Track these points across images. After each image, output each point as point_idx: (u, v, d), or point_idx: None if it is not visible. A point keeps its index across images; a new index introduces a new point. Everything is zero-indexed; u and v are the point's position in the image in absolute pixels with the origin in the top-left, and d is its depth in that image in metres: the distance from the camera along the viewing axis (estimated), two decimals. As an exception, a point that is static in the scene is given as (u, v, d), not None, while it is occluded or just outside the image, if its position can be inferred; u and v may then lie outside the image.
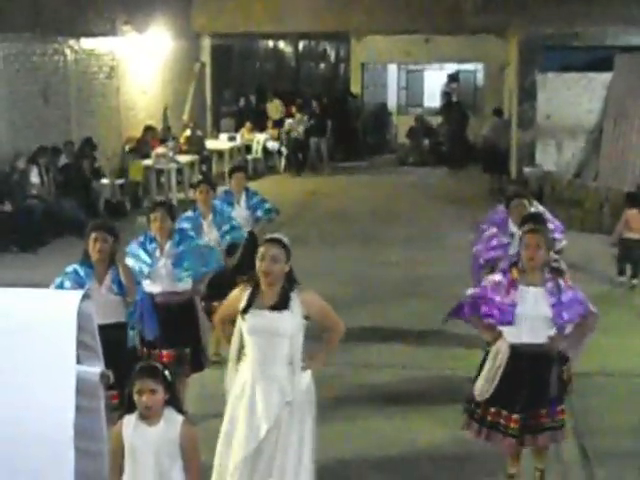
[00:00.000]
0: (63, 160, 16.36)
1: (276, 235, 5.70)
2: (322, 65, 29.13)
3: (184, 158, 19.57)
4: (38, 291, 3.34)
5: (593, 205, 15.91)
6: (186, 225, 8.43)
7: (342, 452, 7.03)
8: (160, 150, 18.77)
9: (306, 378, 5.62)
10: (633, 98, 16.98)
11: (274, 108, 25.16)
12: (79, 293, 3.17)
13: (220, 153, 21.94)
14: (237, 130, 23.58)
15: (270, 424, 5.46)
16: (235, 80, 27.43)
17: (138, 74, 20.71)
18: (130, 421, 4.76)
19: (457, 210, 16.90)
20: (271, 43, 28.63)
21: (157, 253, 7.44)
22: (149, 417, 4.74)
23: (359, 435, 7.50)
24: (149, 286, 7.33)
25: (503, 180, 19.74)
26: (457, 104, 26.18)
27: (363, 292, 11.76)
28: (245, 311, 5.53)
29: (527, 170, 18.37)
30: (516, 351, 6.06)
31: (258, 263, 5.51)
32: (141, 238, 7.52)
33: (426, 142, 25.64)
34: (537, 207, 8.75)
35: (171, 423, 4.77)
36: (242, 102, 26.74)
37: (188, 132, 21.37)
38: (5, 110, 15.26)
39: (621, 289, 12.04)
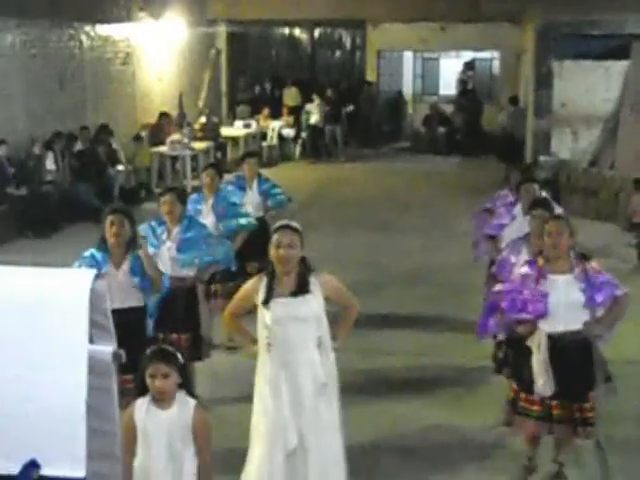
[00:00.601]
0: (78, 146, 16.40)
1: (288, 222, 5.71)
2: (338, 52, 29.10)
3: (199, 145, 19.60)
4: (51, 270, 3.35)
5: (609, 194, 15.85)
6: (191, 209, 8.42)
7: (357, 436, 7.04)
8: (175, 137, 18.80)
9: (332, 360, 5.67)
10: (650, 86, 16.90)
11: (291, 95, 25.14)
12: (92, 272, 3.18)
13: (235, 140, 21.96)
14: (252, 117, 23.57)
15: (309, 408, 5.49)
16: (251, 67, 27.41)
17: (154, 60, 20.72)
18: (142, 405, 4.77)
19: (471, 198, 16.82)
20: (287, 30, 28.61)
21: (164, 236, 7.45)
22: (162, 401, 4.74)
23: (374, 419, 7.54)
24: None
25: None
26: (472, 92, 26.12)
27: (376, 279, 11.76)
28: (267, 302, 5.54)
29: (542, 159, 18.31)
30: (554, 340, 6.03)
31: (274, 250, 5.51)
32: (152, 221, 7.55)
33: (441, 130, 25.58)
34: (541, 194, 8.75)
35: (184, 407, 4.77)
36: (257, 89, 26.73)
37: (203, 119, 21.39)
38: (21, 96, 15.30)
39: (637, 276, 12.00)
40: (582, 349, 6.09)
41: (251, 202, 9.64)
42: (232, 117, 24.39)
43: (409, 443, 7.21)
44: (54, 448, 3.16)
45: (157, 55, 20.80)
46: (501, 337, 7.12)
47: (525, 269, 6.18)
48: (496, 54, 27.25)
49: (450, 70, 28.07)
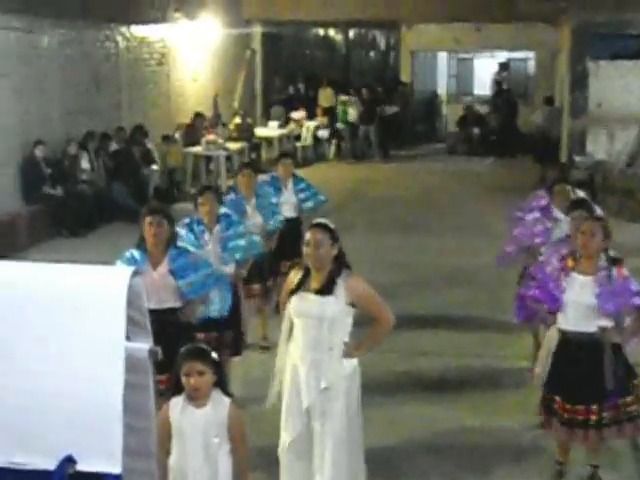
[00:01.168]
0: (114, 146, 16.50)
1: (320, 220, 5.71)
2: (372, 53, 29.07)
3: (233, 145, 19.65)
4: (89, 267, 3.36)
5: (645, 195, 15.74)
6: (230, 209, 8.47)
7: (391, 437, 7.04)
8: (210, 137, 18.86)
9: (350, 364, 5.59)
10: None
11: (325, 95, 25.14)
12: (129, 269, 3.19)
13: (269, 140, 22.00)
14: (286, 117, 23.59)
15: (307, 405, 5.49)
16: (285, 68, 27.45)
17: (189, 61, 20.80)
18: (177, 403, 4.78)
19: (506, 199, 16.72)
20: (321, 31, 28.61)
21: (205, 236, 7.48)
22: (197, 399, 4.75)
23: (408, 421, 7.51)
24: None
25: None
26: (507, 93, 26.00)
27: (410, 280, 11.74)
28: (292, 293, 5.56)
29: (578, 159, 18.19)
30: (564, 337, 6.07)
31: (304, 248, 5.53)
32: (186, 220, 7.56)
33: (476, 131, 25.48)
34: (577, 193, 8.65)
35: (219, 405, 4.78)
36: (291, 90, 26.77)
37: (238, 119, 21.43)
38: (58, 96, 15.40)
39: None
40: (591, 351, 6.02)
41: (286, 202, 9.69)
42: (266, 117, 24.43)
43: (443, 444, 7.17)
44: (90, 444, 3.17)
45: (192, 56, 20.88)
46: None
47: (555, 263, 6.18)
48: (531, 54, 27.11)
49: (485, 70, 27.97)
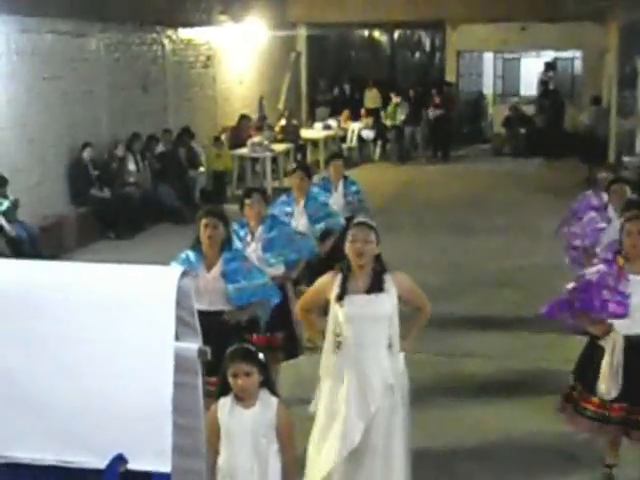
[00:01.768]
0: (160, 148, 16.61)
1: (363, 219, 5.74)
2: (417, 54, 29.00)
3: (279, 147, 19.69)
4: (138, 267, 3.38)
5: (694, 195, 15.52)
6: (279, 210, 8.47)
7: (437, 439, 7.01)
8: (256, 139, 18.92)
9: (401, 361, 5.62)
10: None
11: (371, 97, 25.12)
12: (179, 269, 3.21)
13: (315, 142, 22.02)
14: (332, 119, 23.60)
15: (376, 407, 5.45)
16: (330, 69, 27.48)
17: (234, 64, 20.89)
18: (225, 404, 4.79)
19: (553, 200, 16.64)
20: (366, 32, 28.59)
21: (248, 238, 7.48)
22: (244, 400, 4.76)
23: (454, 423, 7.47)
24: None
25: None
26: (554, 92, 25.80)
27: (459, 281, 11.69)
28: (341, 298, 5.52)
29: (627, 159, 18.00)
30: (631, 343, 5.91)
31: (349, 245, 5.53)
32: (235, 225, 7.56)
33: (522, 131, 25.32)
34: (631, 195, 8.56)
35: (266, 405, 4.78)
36: (337, 91, 26.78)
37: (283, 121, 21.48)
38: (105, 99, 15.54)
39: None
40: None
41: (336, 204, 9.67)
42: (312, 119, 24.46)
43: (490, 447, 7.13)
44: (140, 443, 3.18)
45: (238, 58, 20.97)
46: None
47: (602, 267, 6.07)
48: (578, 53, 26.89)
49: (531, 70, 27.78)
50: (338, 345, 5.56)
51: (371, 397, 5.46)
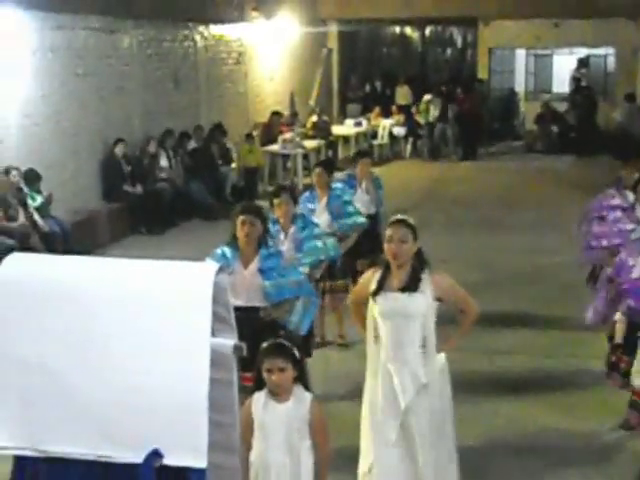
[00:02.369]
0: (192, 144, 16.66)
1: (401, 216, 5.68)
2: (449, 50, 28.89)
3: (310, 143, 19.69)
4: (175, 263, 3.40)
5: None
6: (303, 207, 8.48)
7: (471, 436, 6.99)
8: (287, 135, 18.94)
9: (440, 360, 5.60)
10: None
11: (402, 93, 25.06)
12: (215, 265, 3.22)
13: (346, 138, 22.01)
14: (363, 115, 23.58)
15: (405, 405, 5.45)
16: (361, 66, 27.44)
17: (266, 60, 20.92)
18: (260, 398, 4.81)
19: (585, 197, 16.51)
20: (397, 29, 28.52)
21: (281, 236, 7.49)
22: (278, 395, 4.78)
23: (488, 419, 7.46)
24: None
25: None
26: (587, 89, 25.61)
27: (489, 278, 11.65)
28: (376, 294, 5.52)
29: (660, 157, 17.84)
30: None
31: (386, 245, 5.50)
32: None
33: (554, 129, 25.17)
34: None
35: (300, 400, 4.80)
36: (368, 88, 26.74)
37: (314, 118, 21.48)
38: (138, 95, 15.62)
39: None
40: None
41: (360, 201, 9.67)
42: (343, 116, 24.44)
43: (523, 444, 7.11)
44: (176, 439, 3.20)
45: (269, 55, 21.00)
46: (619, 340, 6.99)
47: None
48: (611, 50, 26.67)
49: (563, 67, 27.57)
50: (375, 340, 5.58)
51: (401, 395, 5.46)
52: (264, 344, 4.85)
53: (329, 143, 21.07)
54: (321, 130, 20.98)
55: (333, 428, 5.68)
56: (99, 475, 3.22)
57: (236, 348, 3.24)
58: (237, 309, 3.42)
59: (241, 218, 6.43)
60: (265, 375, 4.74)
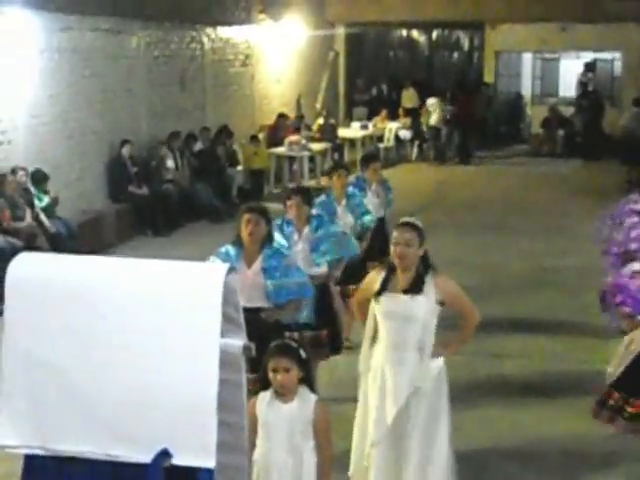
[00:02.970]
0: (198, 146, 16.66)
1: (409, 219, 5.68)
2: (455, 54, 28.88)
3: (316, 146, 19.70)
4: (186, 263, 3.40)
5: None
6: (321, 211, 8.48)
7: (476, 440, 6.98)
8: (293, 138, 18.94)
9: (438, 365, 5.58)
10: None
11: (409, 96, 25.05)
12: (225, 266, 3.22)
13: (352, 141, 22.01)
14: (369, 119, 23.59)
15: (398, 407, 5.46)
16: (368, 69, 27.44)
17: (272, 62, 20.93)
18: (265, 398, 4.83)
19: (591, 202, 16.55)
20: (404, 32, 28.52)
21: (295, 237, 7.49)
22: (283, 395, 4.79)
23: (493, 424, 7.44)
24: None
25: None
26: (593, 93, 25.59)
27: (494, 281, 11.65)
28: (379, 294, 5.53)
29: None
30: None
31: (392, 248, 5.51)
32: (278, 221, 7.57)
33: (560, 133, 25.16)
34: None
35: (305, 401, 4.81)
36: (374, 91, 26.74)
37: (321, 120, 21.48)
38: (145, 96, 15.63)
39: None
40: None
41: (370, 204, 9.69)
42: (349, 118, 24.44)
43: (528, 448, 7.09)
44: (185, 438, 3.20)
45: (276, 57, 21.01)
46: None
47: (637, 266, 6.05)
48: (618, 54, 26.65)
49: (570, 71, 27.53)
50: (373, 340, 5.60)
51: (395, 396, 5.47)
52: (272, 344, 4.86)
53: (335, 146, 21.07)
54: (327, 133, 20.98)
55: (338, 431, 5.68)
56: (108, 474, 3.23)
57: (245, 348, 3.25)
58: (240, 309, 3.43)
59: (246, 217, 6.44)
60: (270, 375, 4.76)
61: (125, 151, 14.48)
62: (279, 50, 21.03)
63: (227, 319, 3.20)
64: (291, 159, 19.16)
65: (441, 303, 5.51)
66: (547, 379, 8.54)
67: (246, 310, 4.52)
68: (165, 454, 3.19)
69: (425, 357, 5.49)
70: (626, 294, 5.97)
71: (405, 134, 23.58)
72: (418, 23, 26.20)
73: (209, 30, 17.87)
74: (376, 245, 9.11)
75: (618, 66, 26.84)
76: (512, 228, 14.97)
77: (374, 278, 5.66)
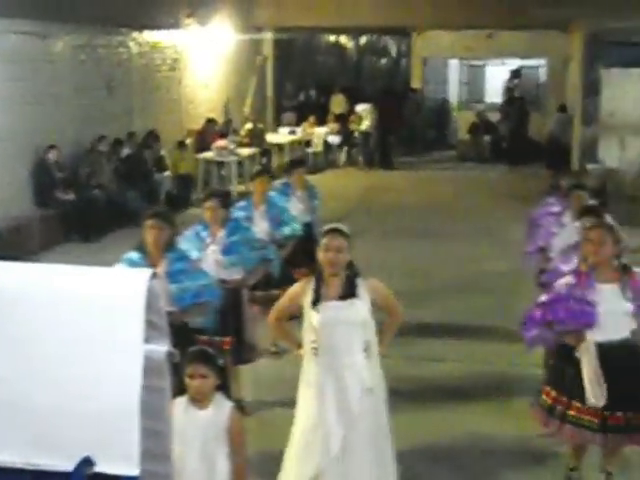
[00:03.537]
0: (126, 151, 16.53)
1: (336, 225, 5.72)
2: (383, 60, 29.09)
3: (245, 151, 19.67)
4: (108, 269, 3.37)
5: (657, 203, 15.68)
6: (239, 215, 8.46)
7: (404, 443, 7.01)
8: (221, 143, 18.89)
9: (378, 365, 5.68)
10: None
11: (337, 102, 25.15)
12: (148, 272, 3.19)
13: (280, 146, 22.04)
14: (298, 124, 23.63)
15: (356, 411, 5.48)
16: (296, 74, 27.51)
17: (200, 67, 20.85)
18: (181, 404, 4.85)
19: (517, 206, 16.75)
20: (333, 38, 28.65)
21: (208, 240, 7.48)
22: (199, 401, 4.86)
23: (421, 427, 7.48)
24: None
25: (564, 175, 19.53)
26: (519, 100, 25.97)
27: (423, 287, 11.73)
28: (315, 304, 5.54)
29: (590, 167, 18.16)
30: (603, 349, 5.94)
31: (322, 254, 5.53)
32: (198, 226, 7.58)
33: (486, 138, 25.49)
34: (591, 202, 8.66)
35: (220, 408, 4.88)
36: (303, 96, 26.80)
37: (249, 125, 21.47)
38: (71, 101, 15.45)
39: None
40: (630, 357, 6.01)
41: (295, 209, 9.69)
42: (277, 124, 24.47)
43: (458, 450, 7.16)
44: (108, 446, 3.16)
45: (204, 61, 20.94)
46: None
47: (570, 278, 6.11)
48: (543, 61, 27.09)
49: (496, 78, 27.96)
50: (315, 352, 5.57)
51: (349, 402, 5.48)
52: (189, 350, 4.89)
53: (263, 151, 21.07)
54: (255, 138, 20.99)
55: (262, 435, 5.68)
56: (28, 484, 3.18)
57: (169, 355, 3.22)
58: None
59: (149, 222, 6.41)
60: (187, 381, 4.81)
61: (51, 156, 14.31)
62: (207, 55, 20.96)
63: (150, 325, 3.16)
64: (219, 164, 19.11)
65: (372, 304, 5.58)
66: (474, 382, 8.62)
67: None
68: (87, 462, 3.14)
69: (372, 357, 5.58)
70: (568, 309, 5.99)
71: (333, 139, 23.67)
72: (346, 29, 26.33)
73: (136, 34, 17.75)
74: (302, 252, 9.09)
75: (543, 73, 27.31)
76: (439, 233, 15.09)
77: (301, 290, 5.67)
